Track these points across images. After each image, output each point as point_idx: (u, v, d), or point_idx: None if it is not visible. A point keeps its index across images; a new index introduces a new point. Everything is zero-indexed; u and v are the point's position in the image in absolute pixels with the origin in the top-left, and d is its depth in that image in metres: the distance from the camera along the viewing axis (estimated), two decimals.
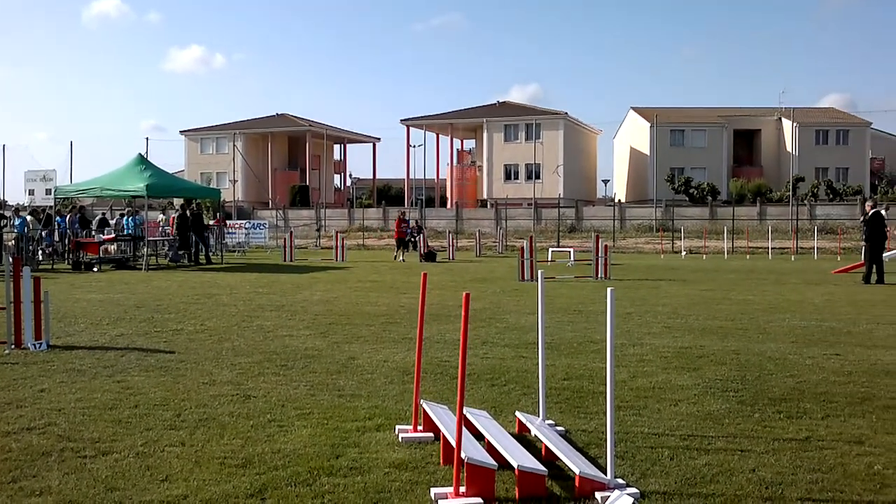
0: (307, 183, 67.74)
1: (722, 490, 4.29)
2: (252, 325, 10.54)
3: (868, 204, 18.99)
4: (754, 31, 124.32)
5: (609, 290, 4.36)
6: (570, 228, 47.31)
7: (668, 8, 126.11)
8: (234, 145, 66.10)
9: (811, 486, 4.34)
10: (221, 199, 33.40)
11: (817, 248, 30.65)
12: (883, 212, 17.97)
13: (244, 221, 41.33)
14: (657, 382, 6.94)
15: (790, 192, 48.79)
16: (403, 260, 27.51)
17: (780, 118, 63.98)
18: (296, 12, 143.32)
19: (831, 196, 52.91)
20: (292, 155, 72.78)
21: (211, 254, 25.88)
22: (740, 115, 66.94)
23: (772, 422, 5.65)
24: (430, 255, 27.48)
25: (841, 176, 60.87)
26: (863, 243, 18.75)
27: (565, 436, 5.24)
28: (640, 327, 10.35)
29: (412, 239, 30.43)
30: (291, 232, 31.10)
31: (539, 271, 5.47)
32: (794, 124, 60.45)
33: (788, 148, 62.08)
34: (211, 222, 30.65)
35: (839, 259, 26.92)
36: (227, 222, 35.30)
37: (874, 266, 17.45)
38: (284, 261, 27.02)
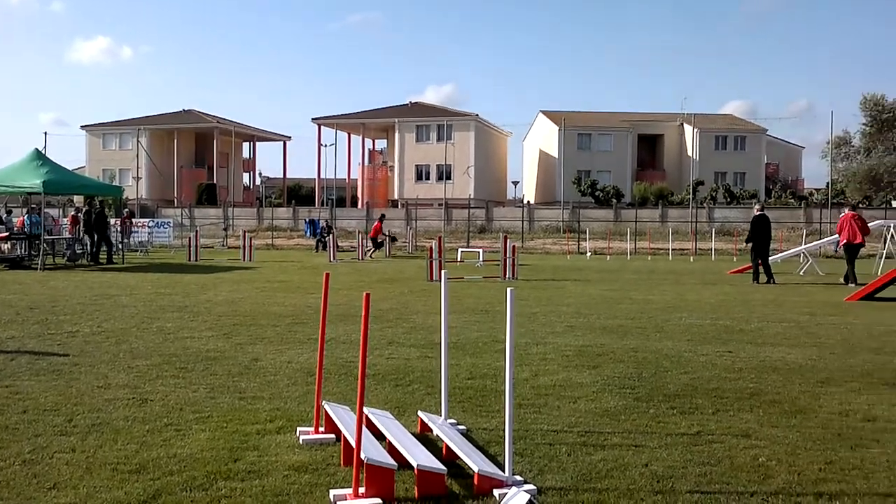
0: (215, 181, 66.32)
1: (616, 484, 4.41)
2: (152, 327, 10.24)
3: (756, 207, 19.87)
4: (660, 39, 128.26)
5: (509, 290, 4.43)
6: (481, 229, 47.77)
7: (578, 13, 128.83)
8: (138, 141, 64.08)
9: (700, 479, 4.51)
10: (123, 197, 32.32)
11: (715, 249, 31.82)
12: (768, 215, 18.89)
13: (147, 220, 40.10)
14: (558, 380, 7.08)
15: (690, 196, 50.48)
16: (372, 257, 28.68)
17: (682, 124, 66.18)
18: (207, 5, 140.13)
19: (729, 199, 55.05)
20: (199, 152, 71.10)
21: (113, 253, 25.03)
22: (645, 120, 68.93)
23: (666, 417, 5.85)
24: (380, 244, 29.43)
25: (738, 180, 63.44)
26: (747, 244, 19.62)
27: (466, 434, 5.29)
28: (544, 327, 10.53)
29: (322, 239, 30.35)
30: (197, 231, 30.35)
31: (442, 271, 5.50)
32: (695, 130, 62.59)
33: (689, 153, 64.21)
34: (113, 221, 29.62)
35: (735, 260, 28.00)
36: (132, 220, 34.14)
37: (762, 266, 18.26)
38: (189, 261, 26.36)
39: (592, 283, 18.28)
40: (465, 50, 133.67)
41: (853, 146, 55.58)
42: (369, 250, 29.42)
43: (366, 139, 69.80)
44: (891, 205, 51.24)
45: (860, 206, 21.46)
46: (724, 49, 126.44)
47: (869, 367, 7.75)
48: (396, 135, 64.79)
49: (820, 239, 29.54)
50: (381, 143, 73.70)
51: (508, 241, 20.01)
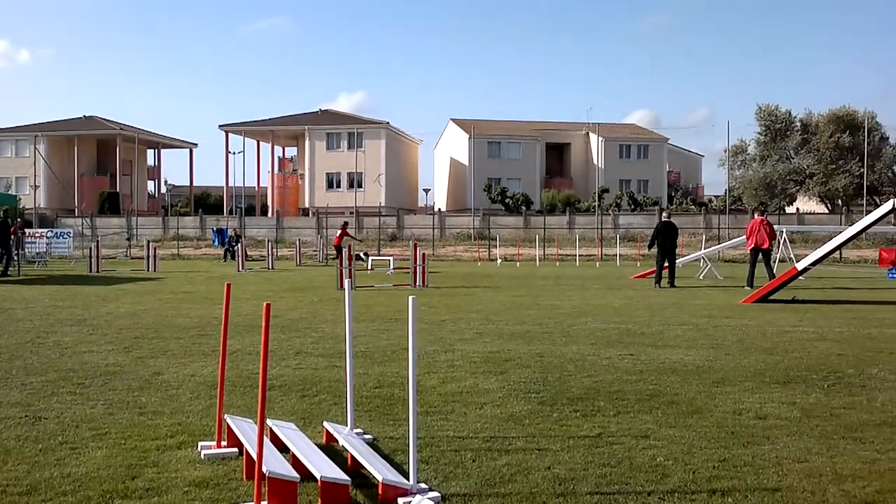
0: (118, 189, 64.20)
1: (519, 489, 4.48)
2: (48, 342, 9.85)
3: (664, 214, 20.58)
4: (568, 49, 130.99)
5: (411, 298, 4.45)
6: (392, 237, 47.75)
7: (487, 22, 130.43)
8: (35, 148, 61.45)
9: (600, 480, 4.62)
10: (20, 206, 30.95)
11: (620, 254, 32.68)
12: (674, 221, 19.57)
13: (46, 230, 38.52)
14: (465, 387, 7.14)
15: (596, 203, 51.67)
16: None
17: (587, 133, 67.72)
18: (110, 8, 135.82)
19: (633, 206, 56.61)
20: (102, 160, 68.75)
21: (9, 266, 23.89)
22: (553, 129, 70.27)
23: (569, 420, 5.97)
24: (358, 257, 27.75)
25: (642, 188, 65.36)
26: (651, 250, 20.27)
27: (373, 444, 5.28)
28: (452, 334, 10.60)
29: (231, 248, 29.52)
30: (98, 241, 29.36)
31: (346, 280, 5.48)
32: (600, 139, 64.16)
33: (595, 161, 65.76)
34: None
35: (638, 265, 28.81)
36: (26, 231, 32.69)
37: (667, 270, 18.93)
38: (90, 272, 25.46)
39: (502, 289, 18.51)
40: (376, 57, 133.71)
41: (749, 154, 57.92)
42: (333, 256, 29.13)
43: (275, 147, 68.86)
44: (784, 211, 53.65)
45: (766, 211, 22.59)
46: (629, 60, 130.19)
47: (761, 367, 8.09)
48: (307, 142, 64.15)
49: (719, 244, 30.68)
50: (291, 151, 72.81)
51: (419, 248, 20.08)
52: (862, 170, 48.84)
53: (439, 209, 60.98)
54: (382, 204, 57.02)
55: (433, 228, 45.57)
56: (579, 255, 33.47)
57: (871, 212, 15.39)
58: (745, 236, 19.63)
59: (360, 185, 61.86)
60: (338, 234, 27.90)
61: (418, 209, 67.77)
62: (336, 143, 64.44)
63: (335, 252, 28.24)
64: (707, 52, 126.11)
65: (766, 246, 18.52)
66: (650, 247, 20.11)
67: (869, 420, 5.97)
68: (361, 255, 29.37)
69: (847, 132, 53.09)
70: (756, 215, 19.59)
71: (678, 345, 9.61)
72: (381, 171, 62.46)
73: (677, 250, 19.72)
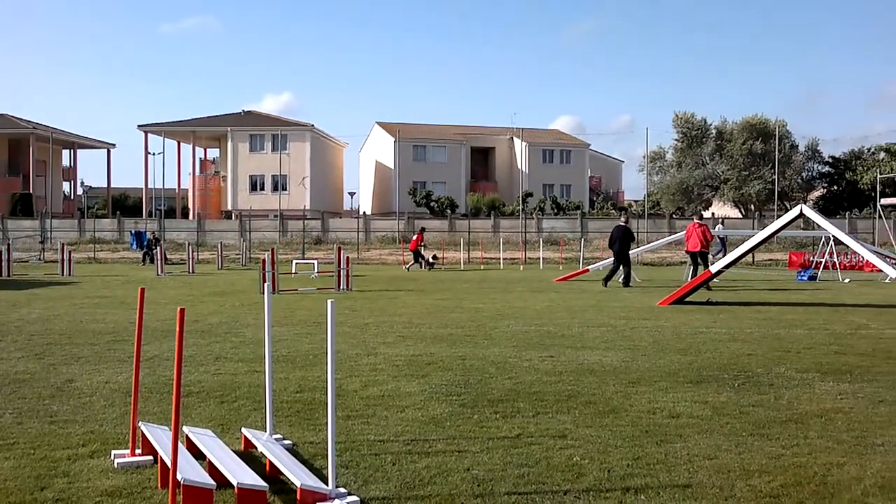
0: (31, 190, 61.85)
1: (438, 491, 4.51)
2: None
3: (622, 218, 21.58)
4: (494, 54, 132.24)
5: (329, 302, 4.45)
6: (317, 240, 47.32)
7: (414, 26, 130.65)
8: None
9: (518, 480, 4.70)
10: None
11: (543, 258, 33.09)
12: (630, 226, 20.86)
13: None
14: (387, 390, 7.15)
15: (521, 207, 52.29)
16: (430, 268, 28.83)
17: (512, 137, 68.48)
18: (24, 1, 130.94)
19: (556, 210, 57.49)
20: (14, 160, 66.13)
21: None
22: (478, 133, 70.76)
23: (489, 422, 6.04)
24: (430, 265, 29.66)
25: (564, 192, 66.44)
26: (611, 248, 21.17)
27: (292, 449, 5.25)
28: (375, 337, 10.59)
29: (150, 252, 28.96)
30: (9, 244, 28.24)
31: (265, 284, 5.43)
32: (524, 144, 64.97)
33: (520, 165, 66.57)
34: None
35: (561, 268, 29.24)
36: None
37: (624, 270, 19.92)
38: (0, 276, 24.47)
39: (426, 292, 18.55)
40: (302, 58, 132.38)
41: (667, 160, 59.58)
42: (414, 263, 29.56)
43: (197, 148, 67.53)
44: (701, 215, 55.19)
45: (703, 216, 23.44)
46: (554, 66, 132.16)
47: (675, 367, 8.33)
48: (229, 144, 63.10)
49: (638, 247, 31.38)
50: (213, 153, 71.51)
51: (343, 251, 19.97)
52: (773, 176, 50.71)
53: (364, 212, 60.77)
54: (307, 207, 56.51)
55: (358, 232, 45.36)
56: (503, 259, 33.79)
57: (781, 216, 16.00)
58: (664, 240, 20.32)
59: (284, 188, 61.18)
60: (414, 238, 30.15)
61: (343, 212, 67.38)
62: (260, 145, 63.58)
63: (412, 256, 29.96)
64: (630, 59, 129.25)
65: (698, 249, 19.32)
66: (610, 247, 20.83)
67: (776, 417, 6.21)
68: (430, 258, 30.58)
69: (759, 140, 55.11)
70: (695, 219, 20.44)
71: (597, 346, 9.81)
72: (305, 174, 61.89)
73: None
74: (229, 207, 61.89)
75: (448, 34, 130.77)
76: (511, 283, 22.15)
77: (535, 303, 15.70)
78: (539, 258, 33.47)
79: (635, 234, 20.81)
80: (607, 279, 19.82)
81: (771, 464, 5.02)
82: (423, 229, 32.12)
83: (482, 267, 31.87)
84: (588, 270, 24.25)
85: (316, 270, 25.08)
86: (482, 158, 71.99)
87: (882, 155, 57.40)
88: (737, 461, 5.07)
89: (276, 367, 8.23)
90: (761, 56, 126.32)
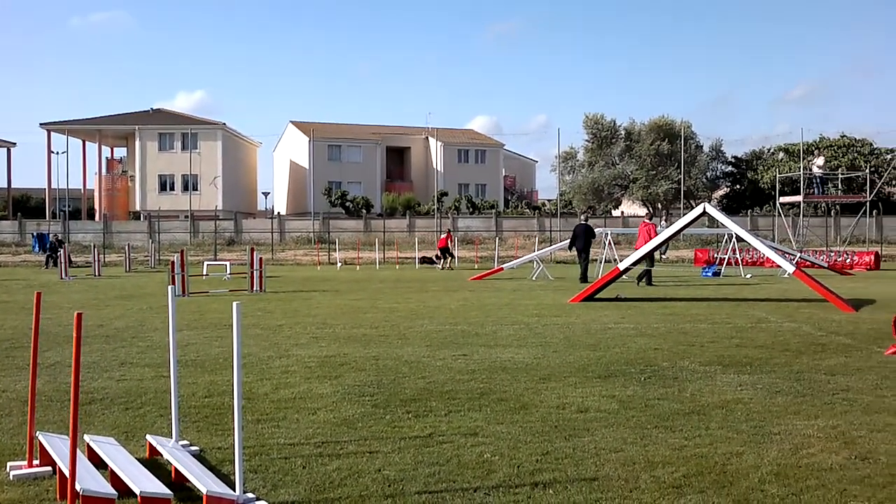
0: None
1: (349, 493, 4.48)
2: None
3: (582, 217, 22.53)
4: (412, 54, 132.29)
5: (235, 304, 4.37)
6: (229, 241, 46.44)
7: (327, 25, 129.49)
8: None
9: (429, 479, 4.71)
10: None
11: (458, 257, 33.30)
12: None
13: None
14: (299, 392, 7.07)
15: (436, 206, 52.48)
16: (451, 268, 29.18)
17: (427, 137, 68.66)
18: None
19: (471, 210, 57.93)
20: None
21: None
22: (393, 133, 70.70)
23: (401, 422, 6.04)
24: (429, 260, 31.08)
25: (480, 191, 67.02)
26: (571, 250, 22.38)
27: (199, 456, 5.14)
28: (288, 339, 10.46)
29: (53, 255, 28.04)
30: None
31: (169, 287, 5.29)
32: (439, 144, 65.23)
33: (435, 165, 66.80)
34: None
35: (476, 267, 29.48)
36: None
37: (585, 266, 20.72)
38: None
39: (341, 293, 18.44)
40: (217, 56, 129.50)
41: (578, 160, 60.77)
42: (442, 260, 29.78)
43: (103, 147, 65.33)
44: (611, 214, 56.58)
45: (652, 216, 24.23)
46: (472, 66, 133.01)
47: (585, 363, 8.51)
48: (137, 143, 61.28)
49: (551, 245, 31.91)
50: (120, 152, 69.30)
51: (255, 253, 19.66)
52: (680, 175, 52.31)
53: (279, 213, 59.94)
54: (219, 207, 55.42)
55: (272, 232, 44.72)
56: (419, 258, 33.85)
57: (686, 215, 16.53)
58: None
59: (195, 188, 59.84)
60: (443, 237, 30.83)
61: (257, 213, 66.32)
62: (169, 144, 61.98)
63: (441, 253, 30.20)
64: (546, 60, 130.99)
65: (640, 247, 20.02)
66: (570, 248, 21.80)
67: (679, 409, 6.41)
68: (434, 258, 31.49)
69: (666, 140, 56.77)
70: (645, 219, 21.34)
71: (509, 344, 9.93)
72: (217, 174, 60.66)
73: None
74: (137, 208, 60.11)
75: (364, 33, 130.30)
76: (426, 282, 22.21)
77: (449, 302, 15.79)
78: (454, 257, 33.68)
79: (595, 232, 21.81)
80: (583, 276, 20.59)
81: (674, 455, 5.17)
82: (449, 230, 33.32)
83: (397, 267, 31.86)
84: (503, 269, 24.54)
85: (228, 272, 24.61)
86: (398, 158, 71.96)
87: (781, 155, 59.89)
88: (642, 453, 5.21)
89: (185, 371, 8.05)
90: (670, 59, 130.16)
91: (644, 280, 19.98)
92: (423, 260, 31.28)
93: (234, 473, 4.62)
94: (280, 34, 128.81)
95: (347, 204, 58.16)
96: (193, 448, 5.26)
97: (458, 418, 6.15)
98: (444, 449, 5.31)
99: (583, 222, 21.43)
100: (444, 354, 9.09)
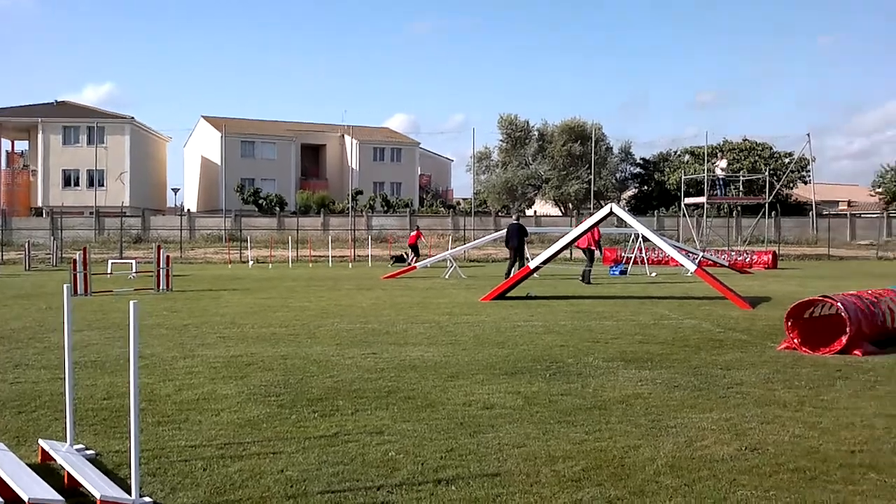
0: None
1: (250, 494, 4.44)
2: None
3: (514, 217, 22.55)
4: (329, 51, 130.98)
5: (132, 303, 4.28)
6: (136, 239, 45.11)
7: (239, 19, 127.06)
8: None
9: (332, 479, 4.70)
10: None
11: (372, 255, 33.24)
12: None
13: None
14: (203, 393, 6.94)
15: (351, 205, 52.18)
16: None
17: (343, 135, 68.16)
18: None
19: (386, 208, 57.81)
20: None
21: None
22: (308, 130, 69.92)
23: (307, 422, 6.00)
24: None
25: (395, 190, 66.91)
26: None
27: (95, 459, 4.99)
28: (194, 339, 10.25)
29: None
30: None
31: (65, 285, 5.13)
32: (355, 141, 64.87)
33: (350, 163, 66.40)
34: None
35: (390, 266, 29.46)
36: None
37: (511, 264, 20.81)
38: None
39: (251, 291, 18.16)
40: (126, 47, 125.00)
41: (493, 160, 61.43)
42: (414, 257, 28.63)
43: (3, 140, 62.47)
44: (524, 213, 57.34)
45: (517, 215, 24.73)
46: (389, 64, 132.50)
47: (493, 360, 8.62)
48: (40, 136, 58.78)
49: (465, 244, 32.16)
50: (21, 145, 66.40)
51: (163, 250, 19.18)
52: (590, 176, 53.45)
53: (189, 210, 58.53)
54: (126, 204, 53.67)
55: (182, 230, 43.63)
56: (332, 257, 33.61)
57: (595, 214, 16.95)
58: (489, 237, 21.22)
59: (101, 184, 57.81)
60: (413, 234, 30.61)
61: (167, 210, 64.55)
62: (74, 138, 59.70)
63: (411, 250, 29.68)
64: (464, 60, 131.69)
65: (584, 246, 21.21)
66: (507, 245, 21.75)
67: (581, 405, 6.57)
68: (404, 255, 30.94)
69: (578, 142, 57.93)
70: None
71: (419, 342, 9.98)
72: (124, 169, 58.81)
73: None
74: (39, 204, 57.70)
75: (279, 28, 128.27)
76: (339, 280, 22.08)
77: (361, 300, 15.74)
78: (368, 255, 33.58)
79: (527, 230, 22.43)
80: (508, 274, 20.62)
81: (574, 449, 5.30)
82: (418, 228, 33.25)
83: (310, 265, 31.57)
84: (416, 268, 24.59)
85: (134, 270, 23.89)
86: (313, 155, 71.20)
87: (687, 157, 61.82)
88: (543, 448, 5.32)
89: (84, 373, 7.81)
90: (582, 61, 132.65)
91: (587, 278, 20.63)
92: (396, 259, 30.87)
93: (130, 477, 4.52)
94: (192, 27, 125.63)
95: (261, 201, 57.20)
96: (89, 452, 5.11)
97: (364, 417, 6.15)
98: (349, 448, 5.31)
99: (515, 221, 21.70)
100: (354, 353, 9.07)
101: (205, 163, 67.08)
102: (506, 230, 22.04)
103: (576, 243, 21.21)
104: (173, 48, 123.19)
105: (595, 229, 21.04)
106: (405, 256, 30.57)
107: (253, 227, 45.98)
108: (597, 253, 22.66)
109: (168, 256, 19.10)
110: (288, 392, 7.00)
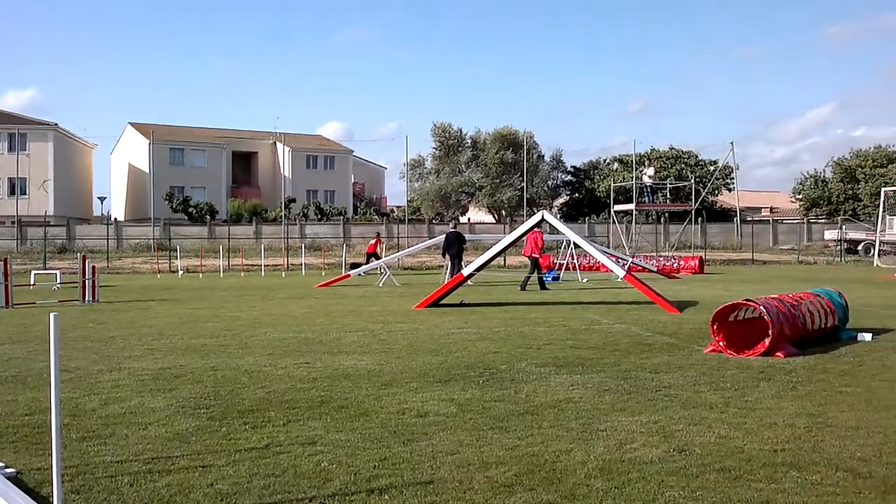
0: None
1: None
2: None
3: (451, 224, 22.89)
4: (261, 57, 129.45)
5: (52, 315, 4.17)
6: (61, 249, 43.80)
7: (170, 22, 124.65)
8: None
9: (263, 491, 4.63)
10: None
11: (306, 264, 32.95)
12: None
13: None
14: (129, 407, 6.77)
15: (284, 213, 51.67)
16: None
17: (275, 142, 67.47)
18: None
19: (320, 216, 57.43)
20: None
21: None
22: (239, 137, 69.01)
23: (237, 434, 5.91)
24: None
25: (328, 198, 66.55)
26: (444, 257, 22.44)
27: (15, 478, 4.83)
28: (121, 351, 10.00)
29: None
30: None
31: None
32: (287, 149, 64.25)
33: (283, 171, 65.73)
34: None
35: (324, 274, 29.25)
36: None
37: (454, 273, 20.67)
38: None
39: (181, 302, 17.81)
40: (50, 52, 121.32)
41: (426, 168, 61.59)
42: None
43: None
44: (459, 221, 57.62)
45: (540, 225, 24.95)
46: (322, 72, 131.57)
47: (427, 368, 8.63)
48: None
49: (398, 252, 32.13)
50: None
51: (89, 261, 18.67)
52: (523, 184, 54.01)
53: (116, 219, 57.12)
54: (50, 213, 52.13)
55: (108, 239, 42.52)
56: (265, 265, 33.20)
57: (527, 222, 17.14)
58: (423, 244, 21.27)
59: (23, 192, 56.05)
60: (372, 242, 30.41)
61: (93, 219, 62.88)
62: None
63: (367, 259, 29.44)
64: (399, 68, 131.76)
65: (528, 254, 21.41)
66: (444, 254, 21.96)
67: (514, 410, 6.62)
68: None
69: (510, 150, 58.53)
70: (535, 228, 21.84)
71: (353, 351, 9.93)
72: (48, 177, 57.05)
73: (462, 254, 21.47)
74: None
75: (209, 34, 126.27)
76: (272, 289, 21.82)
77: (294, 309, 15.59)
78: (301, 264, 33.28)
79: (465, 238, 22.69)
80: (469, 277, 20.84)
81: (507, 455, 5.34)
82: (378, 234, 33.35)
83: (242, 274, 31.12)
84: (350, 276, 24.47)
85: (58, 281, 23.19)
86: (244, 163, 70.28)
87: (616, 165, 63.04)
88: (477, 455, 5.34)
89: (4, 388, 7.56)
90: (515, 70, 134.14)
91: (523, 284, 20.90)
92: (354, 266, 30.45)
93: (53, 495, 4.39)
94: (118, 31, 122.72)
95: (191, 210, 56.20)
96: (9, 470, 4.94)
97: (296, 427, 6.09)
98: (280, 459, 5.25)
99: (453, 229, 21.80)
100: (286, 363, 8.98)
101: (132, 170, 65.59)
102: (444, 238, 22.13)
103: (522, 251, 21.65)
104: (99, 53, 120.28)
105: (539, 237, 21.26)
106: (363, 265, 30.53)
107: (183, 236, 45.12)
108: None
109: (94, 267, 18.60)
110: (218, 404, 6.88)
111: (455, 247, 21.15)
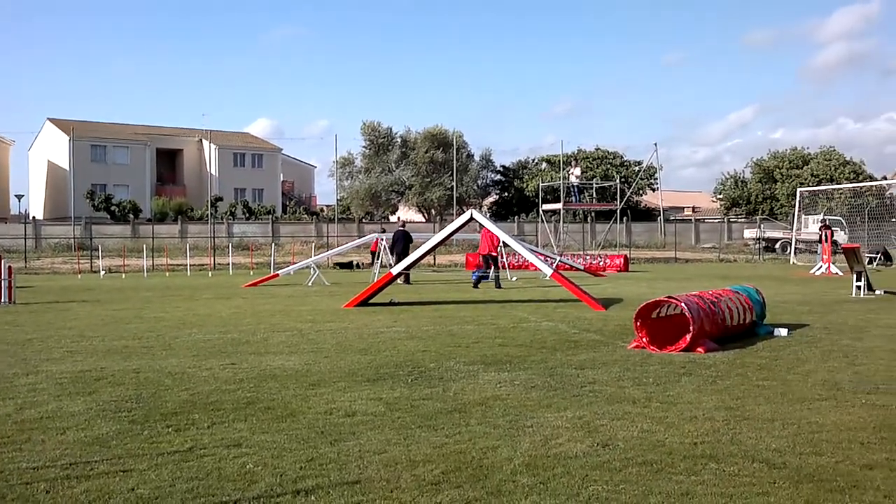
0: None
1: None
2: None
3: (400, 223, 23.05)
4: (186, 54, 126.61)
5: None
6: None
7: (90, 16, 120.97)
8: None
9: (187, 495, 4.55)
10: None
11: (233, 263, 32.43)
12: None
13: None
14: (47, 412, 6.56)
15: (210, 211, 50.73)
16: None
17: (201, 140, 66.18)
18: None
19: (248, 215, 56.59)
20: None
21: None
22: (164, 134, 67.47)
23: (160, 437, 5.78)
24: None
25: (257, 196, 65.63)
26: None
27: None
28: (39, 354, 9.68)
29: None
30: None
31: None
32: (214, 147, 63.11)
33: (209, 168, 64.53)
34: None
35: (252, 273, 28.84)
36: None
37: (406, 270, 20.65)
38: None
39: (103, 303, 17.33)
40: None
41: (356, 166, 61.29)
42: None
43: None
44: (388, 219, 57.50)
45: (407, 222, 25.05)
46: (250, 69, 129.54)
47: (355, 367, 8.60)
48: None
49: (328, 251, 31.88)
50: None
51: (4, 261, 18.00)
52: (453, 183, 54.19)
53: (34, 217, 55.17)
54: None
55: (26, 238, 41.04)
56: (191, 265, 32.55)
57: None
58: (353, 243, 21.28)
59: None
60: (374, 242, 29.31)
61: (10, 217, 60.60)
62: None
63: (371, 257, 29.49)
64: (327, 65, 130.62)
65: (486, 252, 21.67)
66: (391, 253, 22.07)
67: (443, 408, 6.65)
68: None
69: (440, 149, 58.71)
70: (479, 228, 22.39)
71: (281, 351, 9.82)
72: None
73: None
74: None
75: (133, 30, 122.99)
76: (198, 289, 21.40)
77: (221, 309, 15.33)
78: (229, 263, 32.74)
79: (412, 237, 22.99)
80: (406, 279, 21.25)
81: (435, 453, 5.36)
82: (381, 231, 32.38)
83: (167, 274, 30.45)
84: (278, 275, 24.17)
85: None
86: (169, 161, 68.77)
87: (544, 165, 63.81)
88: (404, 453, 5.35)
89: None
90: (445, 69, 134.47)
91: (476, 282, 21.19)
92: (341, 265, 30.12)
93: None
94: (35, 23, 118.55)
95: (113, 208, 54.71)
96: None
97: (221, 430, 5.99)
98: (204, 462, 5.16)
99: (401, 228, 21.94)
100: (212, 364, 8.83)
101: (52, 168, 63.50)
102: (391, 235, 22.23)
103: (478, 250, 21.81)
104: (14, 46, 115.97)
105: (494, 236, 21.24)
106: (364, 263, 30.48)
107: (105, 236, 43.89)
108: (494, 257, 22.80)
109: (10, 267, 17.95)
110: (140, 407, 6.73)
111: (401, 245, 21.22)
